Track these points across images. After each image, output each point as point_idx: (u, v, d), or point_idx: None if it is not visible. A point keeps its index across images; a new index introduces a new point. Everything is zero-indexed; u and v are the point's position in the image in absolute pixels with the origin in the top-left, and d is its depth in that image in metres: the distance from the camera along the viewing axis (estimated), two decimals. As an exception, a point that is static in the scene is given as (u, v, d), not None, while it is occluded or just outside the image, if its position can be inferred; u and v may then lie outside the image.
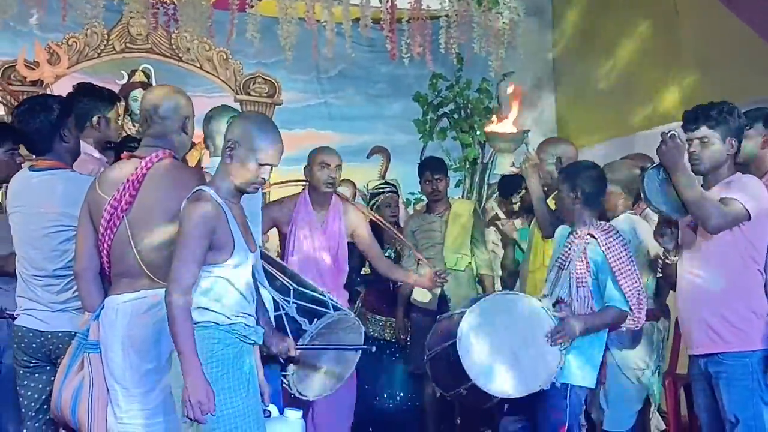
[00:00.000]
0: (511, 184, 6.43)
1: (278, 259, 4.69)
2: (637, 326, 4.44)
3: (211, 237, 3.37)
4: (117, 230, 3.63)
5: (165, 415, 3.56)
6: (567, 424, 4.29)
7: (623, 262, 4.32)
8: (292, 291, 4.26)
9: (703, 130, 4.09)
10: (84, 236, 3.74)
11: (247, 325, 3.51)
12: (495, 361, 4.26)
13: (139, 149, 3.78)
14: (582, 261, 4.36)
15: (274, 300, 4.16)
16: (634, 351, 4.71)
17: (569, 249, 4.43)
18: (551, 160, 5.18)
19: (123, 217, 3.62)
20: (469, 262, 6.22)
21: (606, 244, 4.34)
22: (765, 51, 6.23)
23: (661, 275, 4.67)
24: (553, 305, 4.39)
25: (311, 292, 4.35)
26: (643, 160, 5.02)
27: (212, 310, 3.39)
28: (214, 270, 3.40)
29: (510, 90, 5.79)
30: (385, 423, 6.26)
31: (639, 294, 4.35)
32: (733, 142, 4.09)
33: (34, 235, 4.06)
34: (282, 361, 4.12)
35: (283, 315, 4.15)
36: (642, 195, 4.28)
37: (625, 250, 4.36)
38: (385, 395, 6.25)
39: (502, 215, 6.45)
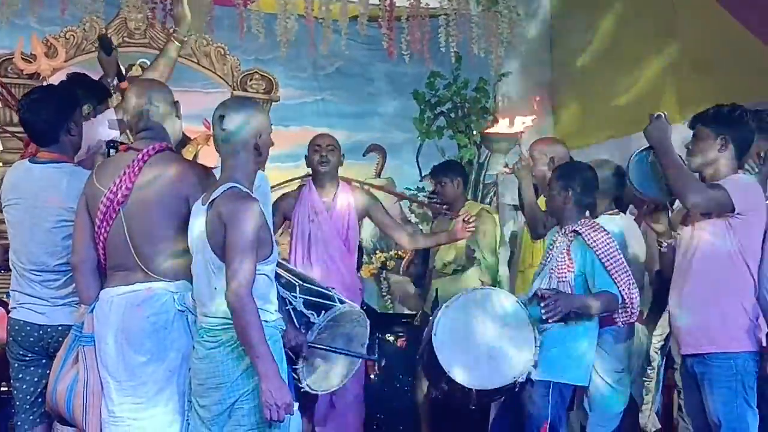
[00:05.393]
0: (443, 168, 6.39)
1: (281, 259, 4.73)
2: (631, 319, 4.50)
3: (258, 234, 3.37)
4: (113, 223, 3.63)
5: (157, 408, 3.56)
6: (549, 421, 4.36)
7: (612, 254, 4.41)
8: (297, 287, 4.30)
9: (697, 127, 4.17)
10: (81, 229, 3.74)
11: (282, 320, 3.55)
12: (470, 354, 4.40)
13: (136, 142, 3.78)
14: (564, 257, 4.46)
15: (281, 296, 4.16)
16: (610, 354, 4.71)
17: (552, 246, 4.55)
18: (544, 160, 5.19)
19: (119, 209, 3.62)
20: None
21: (592, 238, 4.43)
22: (764, 53, 6.24)
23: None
24: (530, 299, 4.48)
25: (316, 288, 4.40)
26: (610, 165, 5.02)
27: (261, 308, 3.36)
28: (258, 267, 3.38)
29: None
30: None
31: (630, 286, 4.42)
32: (725, 141, 4.10)
33: (36, 230, 4.01)
34: (293, 356, 4.14)
35: (291, 310, 4.19)
36: (627, 178, 4.36)
37: (611, 241, 4.44)
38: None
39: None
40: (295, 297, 4.24)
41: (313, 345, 4.21)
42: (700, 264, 4.12)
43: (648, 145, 4.24)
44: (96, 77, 4.97)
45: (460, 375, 4.37)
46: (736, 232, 4.05)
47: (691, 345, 4.16)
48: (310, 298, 4.30)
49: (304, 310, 4.23)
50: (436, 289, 6.03)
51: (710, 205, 4.06)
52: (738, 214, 4.03)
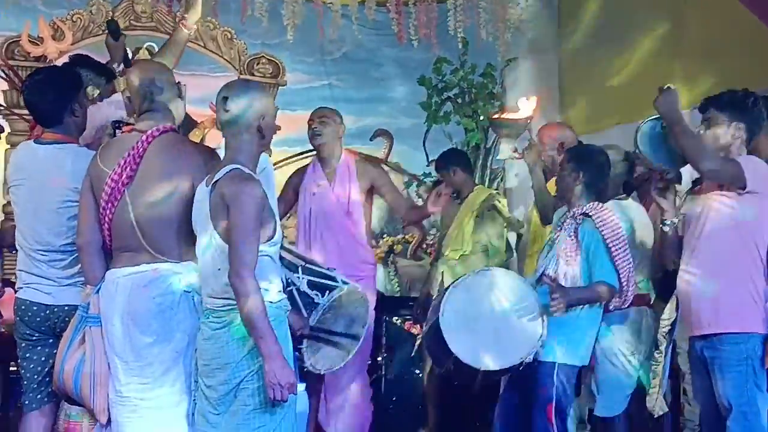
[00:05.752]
0: (441, 160, 6.39)
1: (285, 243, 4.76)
2: (623, 306, 4.51)
3: (261, 215, 3.37)
4: (118, 204, 3.63)
5: (164, 389, 3.58)
6: (555, 402, 4.37)
7: (618, 239, 4.42)
8: (300, 268, 4.31)
9: (710, 112, 4.16)
10: (86, 210, 3.74)
11: (286, 300, 3.55)
12: (476, 334, 4.36)
13: (140, 123, 3.77)
14: (572, 240, 4.46)
15: (285, 277, 4.17)
16: (619, 337, 4.72)
17: (561, 228, 4.54)
18: (553, 144, 5.19)
19: (124, 191, 3.62)
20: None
21: (601, 221, 4.43)
22: (771, 39, 6.22)
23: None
24: (537, 281, 4.48)
25: (318, 268, 4.41)
26: (619, 150, 5.02)
27: (265, 289, 3.36)
28: (261, 248, 3.38)
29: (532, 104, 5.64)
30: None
31: (630, 273, 4.43)
32: (740, 126, 4.10)
33: (42, 210, 4.02)
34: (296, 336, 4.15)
35: (294, 291, 4.20)
36: (636, 148, 4.38)
37: (620, 227, 4.46)
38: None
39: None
40: (299, 277, 4.26)
41: (315, 328, 4.23)
42: (710, 245, 4.12)
43: (655, 116, 4.25)
44: (103, 61, 4.97)
45: (467, 355, 4.34)
46: (746, 214, 4.05)
47: (700, 326, 4.16)
48: (313, 278, 4.32)
49: (308, 291, 4.25)
50: (443, 273, 6.04)
51: (724, 173, 4.05)
52: (749, 192, 4.02)
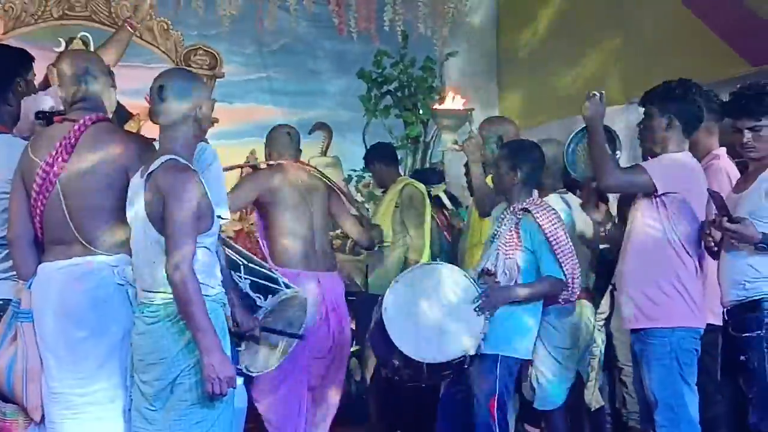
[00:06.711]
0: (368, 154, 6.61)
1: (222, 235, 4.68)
2: (571, 298, 4.55)
3: (198, 206, 3.30)
4: (50, 195, 3.53)
5: (99, 384, 3.50)
6: (497, 395, 4.38)
7: (559, 234, 4.45)
8: (242, 267, 4.23)
9: (647, 106, 4.19)
10: (17, 202, 3.63)
11: (223, 293, 3.49)
12: (419, 328, 4.39)
13: (72, 112, 3.67)
14: (512, 234, 4.48)
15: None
16: (559, 330, 4.75)
17: (501, 223, 4.56)
18: (493, 138, 5.20)
19: (55, 181, 3.52)
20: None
21: (540, 216, 4.46)
22: (709, 36, 6.30)
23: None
24: (479, 276, 4.52)
25: (260, 269, 4.34)
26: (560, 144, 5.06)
27: (202, 282, 3.29)
28: (198, 239, 3.31)
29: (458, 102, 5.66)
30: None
31: (574, 265, 4.48)
32: (671, 119, 4.12)
33: None
34: (236, 338, 4.07)
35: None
36: (563, 156, 4.47)
37: (559, 222, 4.49)
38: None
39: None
40: (240, 277, 4.18)
41: (265, 328, 4.19)
42: (636, 244, 4.17)
43: (584, 126, 4.29)
44: (35, 50, 4.84)
45: (411, 349, 4.35)
46: (668, 213, 4.09)
47: (629, 321, 4.21)
48: (256, 279, 4.25)
49: (251, 293, 4.17)
50: (367, 265, 6.07)
51: (626, 187, 4.18)
52: (665, 194, 4.07)
